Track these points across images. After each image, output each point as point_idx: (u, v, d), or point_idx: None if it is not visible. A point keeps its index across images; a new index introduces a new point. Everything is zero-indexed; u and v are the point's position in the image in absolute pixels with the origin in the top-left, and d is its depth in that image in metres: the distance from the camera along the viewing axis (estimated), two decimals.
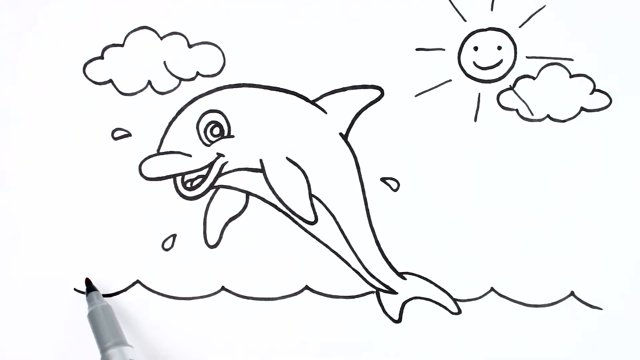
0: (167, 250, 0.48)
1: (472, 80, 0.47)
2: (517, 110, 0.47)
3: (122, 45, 0.47)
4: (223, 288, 0.48)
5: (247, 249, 0.48)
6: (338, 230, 0.48)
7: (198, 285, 0.48)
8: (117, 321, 0.46)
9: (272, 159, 0.48)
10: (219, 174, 0.48)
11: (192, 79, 0.47)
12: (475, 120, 0.47)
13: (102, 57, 0.47)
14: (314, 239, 0.48)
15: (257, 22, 0.47)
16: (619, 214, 0.47)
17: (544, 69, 0.46)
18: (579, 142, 0.47)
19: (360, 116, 0.47)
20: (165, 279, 0.48)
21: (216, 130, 0.47)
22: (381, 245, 0.48)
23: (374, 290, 0.48)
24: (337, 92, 0.47)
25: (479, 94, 0.47)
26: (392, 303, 0.48)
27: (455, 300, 0.48)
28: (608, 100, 0.46)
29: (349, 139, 0.47)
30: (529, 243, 0.47)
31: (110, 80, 0.47)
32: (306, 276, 0.48)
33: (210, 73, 0.47)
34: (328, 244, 0.48)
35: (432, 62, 0.47)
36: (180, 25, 0.47)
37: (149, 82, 0.47)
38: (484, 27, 0.46)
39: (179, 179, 0.48)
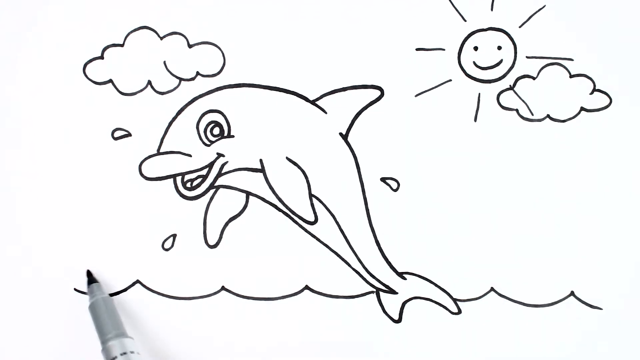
0: (167, 250, 0.48)
1: (472, 80, 0.47)
2: (517, 110, 0.47)
3: (122, 45, 0.47)
4: (223, 288, 0.48)
5: (247, 249, 0.48)
6: (338, 230, 0.48)
7: (198, 285, 0.48)
8: (118, 313, 0.46)
9: (272, 159, 0.48)
10: (219, 174, 0.48)
11: (192, 79, 0.47)
12: (475, 120, 0.47)
13: (102, 57, 0.47)
14: (314, 239, 0.48)
15: (257, 22, 0.47)
16: (619, 214, 0.47)
17: (544, 69, 0.46)
18: (579, 142, 0.47)
19: (360, 116, 0.47)
20: (165, 279, 0.48)
21: (216, 130, 0.47)
22: (381, 245, 0.48)
23: (374, 290, 0.48)
24: (337, 92, 0.47)
25: (479, 94, 0.47)
26: (392, 303, 0.48)
27: (455, 300, 0.48)
28: (608, 100, 0.46)
29: (349, 139, 0.47)
30: (529, 243, 0.47)
31: (110, 80, 0.47)
32: (306, 276, 0.48)
33: (210, 73, 0.47)
34: (328, 244, 0.48)
35: (432, 62, 0.47)
36: (180, 25, 0.47)
37: (149, 82, 0.47)
38: (484, 27, 0.46)
39: (179, 179, 0.48)
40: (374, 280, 0.48)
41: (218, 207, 0.48)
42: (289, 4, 0.47)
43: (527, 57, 0.46)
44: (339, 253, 0.48)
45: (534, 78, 0.47)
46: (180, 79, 0.47)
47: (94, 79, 0.47)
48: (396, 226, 0.48)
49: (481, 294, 0.48)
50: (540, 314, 0.48)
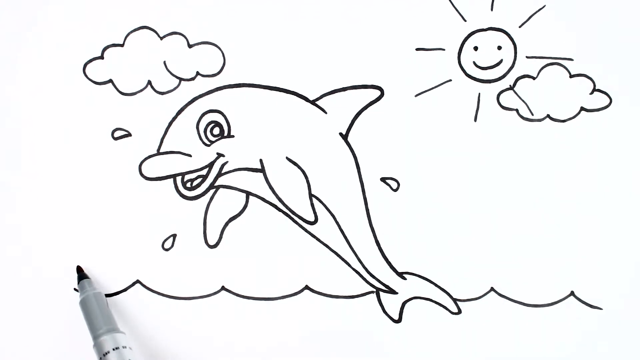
0: (167, 250, 0.48)
1: (472, 80, 0.47)
2: (517, 110, 0.47)
3: (122, 45, 0.47)
4: (223, 288, 0.48)
5: (247, 249, 0.48)
6: (338, 230, 0.48)
7: (198, 285, 0.48)
8: (109, 308, 0.46)
9: (272, 159, 0.48)
10: (219, 174, 0.48)
11: (192, 79, 0.47)
12: (475, 120, 0.47)
13: (102, 57, 0.47)
14: (314, 239, 0.48)
15: (257, 22, 0.47)
16: (619, 214, 0.47)
17: (544, 69, 0.46)
18: (579, 142, 0.47)
19: (360, 116, 0.47)
20: (165, 279, 0.48)
21: (216, 130, 0.47)
22: (381, 245, 0.48)
23: (374, 290, 0.48)
24: (337, 92, 0.47)
25: (479, 94, 0.47)
26: (392, 303, 0.48)
27: (455, 300, 0.48)
28: (608, 100, 0.46)
29: (349, 139, 0.47)
30: (529, 243, 0.47)
31: (110, 80, 0.47)
32: (306, 276, 0.48)
33: (210, 73, 0.47)
34: (328, 244, 0.48)
35: (432, 62, 0.47)
36: (180, 25, 0.47)
37: (149, 82, 0.47)
38: (484, 27, 0.46)
39: (179, 179, 0.48)
40: (374, 280, 0.48)
41: (218, 207, 0.48)
42: (289, 4, 0.47)
43: (527, 57, 0.46)
44: (339, 253, 0.48)
45: (534, 78, 0.47)
46: (180, 79, 0.47)
47: (94, 79, 0.47)
48: (396, 226, 0.48)
49: (481, 294, 0.48)
50: (540, 314, 0.48)
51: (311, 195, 0.48)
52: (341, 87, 0.47)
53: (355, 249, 0.48)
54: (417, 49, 0.47)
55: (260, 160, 0.48)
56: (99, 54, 0.47)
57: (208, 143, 0.48)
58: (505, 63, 0.47)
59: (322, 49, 0.47)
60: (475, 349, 0.48)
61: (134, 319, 0.48)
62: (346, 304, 0.48)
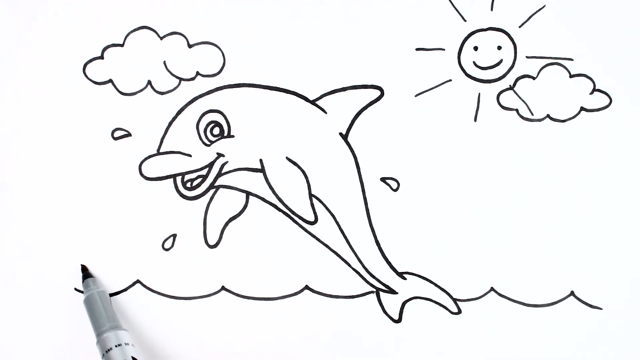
0: (167, 250, 0.48)
1: (472, 80, 0.47)
2: (517, 110, 0.47)
3: (122, 45, 0.47)
4: (223, 288, 0.48)
5: (247, 249, 0.48)
6: (338, 230, 0.48)
7: (198, 285, 0.48)
8: (112, 307, 0.46)
9: (272, 159, 0.48)
10: (219, 174, 0.48)
11: (192, 79, 0.47)
12: (475, 120, 0.47)
13: (102, 57, 0.47)
14: (314, 239, 0.48)
15: (257, 22, 0.47)
16: (619, 214, 0.47)
17: (544, 69, 0.46)
18: (579, 142, 0.47)
19: (360, 116, 0.47)
20: (165, 279, 0.48)
21: (216, 130, 0.47)
22: (381, 245, 0.48)
23: (374, 290, 0.48)
24: (337, 92, 0.47)
25: (479, 94, 0.47)
26: (392, 303, 0.48)
27: (455, 300, 0.48)
28: (608, 100, 0.46)
29: (349, 139, 0.47)
30: (529, 243, 0.47)
31: (110, 80, 0.47)
32: (306, 276, 0.48)
33: (210, 73, 0.47)
34: (328, 244, 0.48)
35: (432, 62, 0.47)
36: (180, 25, 0.47)
37: (149, 82, 0.47)
38: (484, 27, 0.46)
39: (179, 179, 0.48)
40: (374, 280, 0.48)
41: (218, 207, 0.48)
42: (289, 4, 0.47)
43: (527, 57, 0.46)
44: (339, 253, 0.48)
45: (534, 78, 0.47)
46: (180, 79, 0.47)
47: (94, 79, 0.47)
48: (396, 226, 0.48)
49: (481, 294, 0.48)
50: (540, 314, 0.48)
51: (311, 195, 0.48)
52: (341, 87, 0.47)
53: (355, 249, 0.48)
54: (417, 49, 0.47)
55: (260, 160, 0.48)
56: (99, 54, 0.47)
57: (208, 143, 0.48)
58: (505, 63, 0.47)
59: (322, 49, 0.47)
60: (475, 349, 0.48)
61: (134, 318, 0.48)
62: (346, 304, 0.48)
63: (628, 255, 0.47)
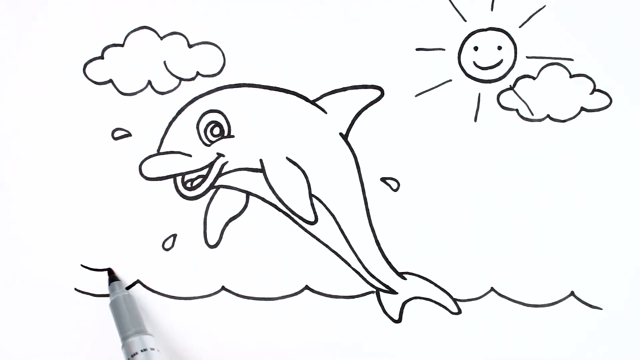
0: (167, 250, 0.48)
1: (472, 80, 0.47)
2: (517, 110, 0.47)
3: (122, 45, 0.47)
4: (223, 288, 0.48)
5: (247, 249, 0.48)
6: (338, 230, 0.48)
7: (198, 285, 0.48)
8: (138, 310, 0.46)
9: (272, 159, 0.48)
10: (219, 174, 0.48)
11: (192, 79, 0.47)
12: (475, 120, 0.47)
13: (102, 57, 0.47)
14: (314, 239, 0.48)
15: (257, 22, 0.47)
16: (619, 214, 0.47)
17: (544, 69, 0.46)
18: (579, 142, 0.47)
19: (360, 116, 0.47)
20: (165, 279, 0.48)
21: (216, 130, 0.47)
22: (381, 245, 0.48)
23: (374, 290, 0.48)
24: (337, 92, 0.47)
25: (479, 94, 0.47)
26: (392, 303, 0.48)
27: (455, 300, 0.48)
28: (608, 100, 0.46)
29: (349, 139, 0.47)
30: (529, 243, 0.47)
31: (110, 80, 0.47)
32: (306, 276, 0.48)
33: (210, 73, 0.47)
34: (328, 244, 0.48)
35: (432, 62, 0.47)
36: (180, 25, 0.47)
37: (149, 82, 0.47)
38: (484, 27, 0.46)
39: (179, 179, 0.48)
40: (374, 280, 0.48)
41: (218, 207, 0.48)
42: (289, 4, 0.47)
43: (527, 57, 0.46)
44: (339, 253, 0.48)
45: (534, 78, 0.47)
46: (180, 79, 0.47)
47: (94, 79, 0.47)
48: (396, 226, 0.48)
49: (481, 294, 0.48)
50: (540, 314, 0.48)
51: (311, 195, 0.48)
52: (341, 87, 0.47)
53: (355, 249, 0.48)
54: (417, 49, 0.47)
55: (260, 160, 0.48)
56: (99, 54, 0.47)
57: (208, 143, 0.48)
58: (506, 63, 0.47)
59: (322, 49, 0.47)
60: (475, 349, 0.48)
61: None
62: (346, 304, 0.48)
63: (628, 255, 0.47)
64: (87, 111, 0.47)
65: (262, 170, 0.48)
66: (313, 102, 0.47)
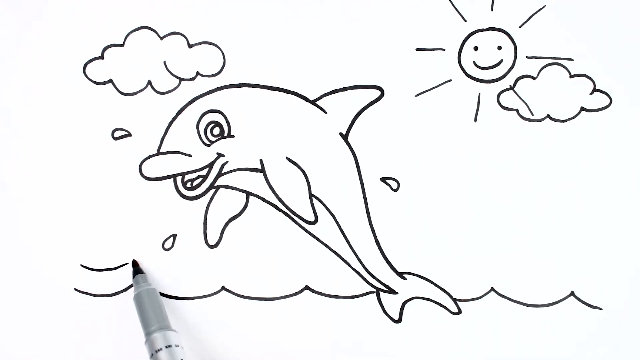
0: (167, 250, 0.48)
1: (472, 80, 0.47)
2: (517, 110, 0.47)
3: (122, 45, 0.47)
4: (223, 288, 0.48)
5: (247, 249, 0.48)
6: (338, 230, 0.48)
7: (198, 285, 0.48)
8: (163, 305, 0.46)
9: (272, 159, 0.48)
10: (219, 174, 0.48)
11: (192, 79, 0.47)
12: (475, 120, 0.47)
13: (102, 57, 0.47)
14: (314, 239, 0.48)
15: (257, 22, 0.47)
16: (619, 214, 0.47)
17: (544, 69, 0.46)
18: (579, 142, 0.47)
19: (360, 116, 0.47)
20: (165, 279, 0.48)
21: (216, 130, 0.47)
22: (381, 245, 0.48)
23: (374, 290, 0.48)
24: (337, 92, 0.47)
25: (479, 94, 0.47)
26: (392, 303, 0.48)
27: (455, 300, 0.48)
28: (608, 100, 0.46)
29: (349, 139, 0.47)
30: (529, 243, 0.47)
31: (110, 80, 0.47)
32: (306, 276, 0.48)
33: (210, 73, 0.47)
34: (328, 244, 0.48)
35: (432, 62, 0.47)
36: (180, 25, 0.47)
37: (149, 82, 0.47)
38: (484, 27, 0.46)
39: (179, 179, 0.48)
40: (374, 280, 0.48)
41: (218, 207, 0.48)
42: (289, 4, 0.47)
43: (527, 57, 0.46)
44: (339, 253, 0.48)
45: (534, 78, 0.47)
46: (180, 79, 0.47)
47: (94, 79, 0.47)
48: (396, 226, 0.48)
49: (481, 294, 0.48)
50: (540, 314, 0.48)
51: (311, 195, 0.48)
52: (341, 87, 0.47)
53: (355, 249, 0.48)
54: (417, 49, 0.47)
55: (260, 160, 0.48)
56: (99, 54, 0.47)
57: (208, 143, 0.48)
58: (506, 63, 0.47)
59: (322, 49, 0.47)
60: (475, 349, 0.48)
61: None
62: (346, 304, 0.48)
63: (628, 255, 0.47)
64: (87, 111, 0.47)
65: (262, 170, 0.48)
66: (313, 102, 0.47)
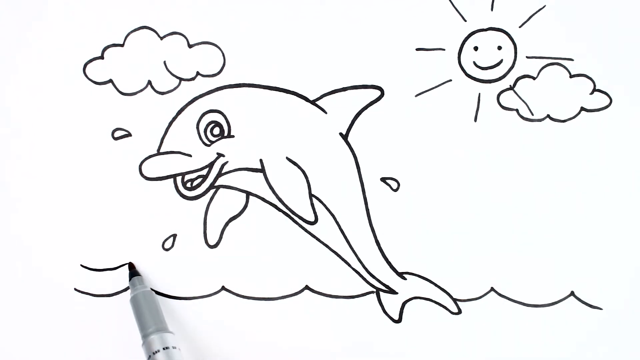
0: (167, 250, 0.48)
1: (472, 80, 0.47)
2: (517, 110, 0.47)
3: (122, 45, 0.47)
4: (223, 288, 0.48)
5: (247, 249, 0.48)
6: (338, 230, 0.48)
7: (198, 285, 0.48)
8: (159, 306, 0.46)
9: (272, 159, 0.48)
10: (219, 174, 0.48)
11: (192, 79, 0.47)
12: (475, 120, 0.47)
13: (102, 57, 0.47)
14: (314, 239, 0.48)
15: (257, 22, 0.47)
16: (619, 214, 0.47)
17: (544, 69, 0.46)
18: (579, 142, 0.47)
19: (360, 116, 0.47)
20: (165, 279, 0.48)
21: (216, 130, 0.47)
22: (381, 245, 0.48)
23: (374, 290, 0.48)
24: (337, 92, 0.47)
25: (479, 94, 0.47)
26: (392, 303, 0.48)
27: (455, 300, 0.48)
28: (608, 100, 0.46)
29: (349, 139, 0.47)
30: (529, 243, 0.47)
31: (110, 80, 0.47)
32: (306, 276, 0.48)
33: (210, 73, 0.47)
34: (328, 244, 0.48)
35: (432, 62, 0.47)
36: (180, 25, 0.47)
37: (149, 82, 0.47)
38: (484, 27, 0.46)
39: (179, 179, 0.48)
40: (374, 280, 0.48)
41: (218, 207, 0.48)
42: (289, 4, 0.47)
43: (527, 57, 0.46)
44: (339, 253, 0.48)
45: (534, 78, 0.47)
46: (180, 79, 0.47)
47: (94, 79, 0.47)
48: (396, 226, 0.48)
49: (481, 294, 0.48)
50: (540, 314, 0.48)
51: (311, 195, 0.48)
52: (341, 87, 0.47)
53: (355, 249, 0.48)
54: (417, 49, 0.47)
55: (260, 160, 0.48)
56: (99, 54, 0.47)
57: (208, 143, 0.48)
58: (505, 63, 0.47)
59: (322, 49, 0.47)
60: (475, 349, 0.48)
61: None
62: (346, 304, 0.48)
63: (628, 255, 0.47)
64: (87, 111, 0.47)
65: (262, 170, 0.48)
66: (313, 102, 0.47)
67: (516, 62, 0.47)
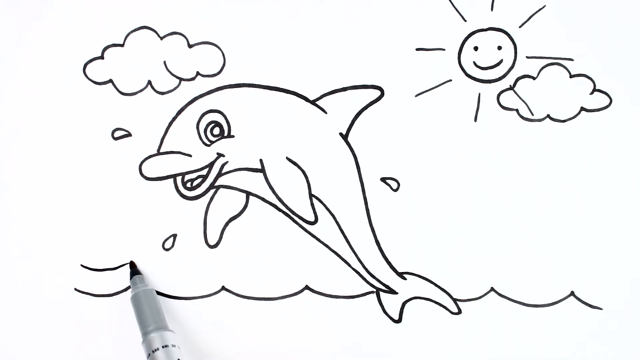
0: (167, 250, 0.48)
1: (472, 80, 0.47)
2: (517, 110, 0.47)
3: (122, 45, 0.47)
4: (223, 288, 0.48)
5: (247, 249, 0.48)
6: (338, 230, 0.48)
7: (198, 285, 0.48)
8: (160, 305, 0.46)
9: (272, 159, 0.48)
10: (219, 174, 0.48)
11: (192, 79, 0.47)
12: (475, 120, 0.47)
13: (102, 57, 0.47)
14: (314, 239, 0.48)
15: (257, 22, 0.47)
16: (619, 214, 0.47)
17: (544, 69, 0.46)
18: (579, 142, 0.47)
19: (360, 116, 0.47)
20: (165, 279, 0.48)
21: (216, 130, 0.47)
22: (381, 245, 0.48)
23: (374, 290, 0.48)
24: (337, 92, 0.47)
25: (479, 94, 0.47)
26: (392, 303, 0.48)
27: (455, 300, 0.48)
28: (608, 100, 0.46)
29: (349, 139, 0.47)
30: (529, 243, 0.47)
31: (110, 80, 0.47)
32: (306, 276, 0.48)
33: (210, 73, 0.47)
34: (328, 244, 0.48)
35: (432, 62, 0.47)
36: (180, 25, 0.47)
37: (149, 82, 0.47)
38: (484, 27, 0.46)
39: (179, 179, 0.48)
40: (374, 280, 0.48)
41: (218, 207, 0.48)
42: (289, 4, 0.47)
43: (527, 57, 0.46)
44: (339, 253, 0.48)
45: (534, 78, 0.47)
46: (180, 79, 0.47)
47: (94, 79, 0.47)
48: (396, 226, 0.48)
49: (481, 294, 0.48)
50: (540, 314, 0.48)
51: (311, 195, 0.48)
52: (341, 87, 0.47)
53: (355, 249, 0.48)
54: (417, 49, 0.47)
55: (260, 160, 0.48)
56: (99, 54, 0.47)
57: (208, 143, 0.48)
58: (505, 63, 0.47)
59: (322, 49, 0.47)
60: (475, 349, 0.48)
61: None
62: (346, 304, 0.48)
63: (628, 255, 0.47)
64: (87, 111, 0.47)
65: (262, 170, 0.48)
66: (313, 102, 0.47)
67: (516, 62, 0.47)
